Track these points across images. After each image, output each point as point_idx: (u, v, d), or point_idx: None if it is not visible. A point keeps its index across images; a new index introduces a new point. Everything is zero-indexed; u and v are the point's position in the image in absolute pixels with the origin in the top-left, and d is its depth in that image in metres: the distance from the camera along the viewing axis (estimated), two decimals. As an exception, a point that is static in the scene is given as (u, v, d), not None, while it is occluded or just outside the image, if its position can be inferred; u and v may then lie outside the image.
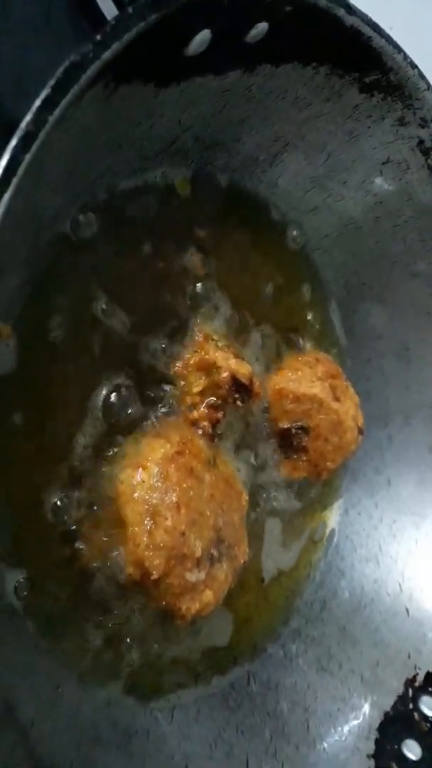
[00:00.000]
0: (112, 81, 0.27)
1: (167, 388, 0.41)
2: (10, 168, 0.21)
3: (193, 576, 0.37)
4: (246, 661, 0.47)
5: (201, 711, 0.42)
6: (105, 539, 0.37)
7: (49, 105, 0.22)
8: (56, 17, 0.46)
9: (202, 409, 0.41)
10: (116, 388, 0.38)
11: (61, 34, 0.47)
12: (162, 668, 0.40)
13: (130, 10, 0.25)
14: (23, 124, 0.22)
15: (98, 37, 0.24)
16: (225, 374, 0.41)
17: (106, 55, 0.24)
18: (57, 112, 0.22)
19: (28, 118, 0.22)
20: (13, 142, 0.21)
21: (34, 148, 0.22)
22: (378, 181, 0.47)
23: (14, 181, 0.21)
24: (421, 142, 0.45)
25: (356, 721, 0.46)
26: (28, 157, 0.22)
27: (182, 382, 0.41)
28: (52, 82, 0.22)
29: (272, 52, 0.36)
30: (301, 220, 0.49)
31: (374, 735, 0.45)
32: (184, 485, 0.38)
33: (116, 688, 0.38)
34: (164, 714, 0.40)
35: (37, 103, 0.22)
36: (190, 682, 0.42)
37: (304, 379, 0.48)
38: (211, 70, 0.35)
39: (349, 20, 0.36)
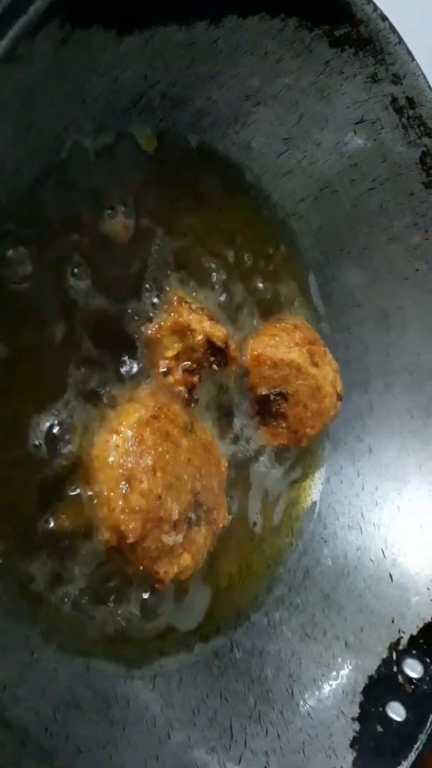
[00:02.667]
0: (66, 21, 0.26)
1: (141, 352, 0.40)
2: None
3: (170, 539, 0.36)
4: (229, 629, 0.46)
5: (184, 678, 0.42)
6: (81, 505, 0.36)
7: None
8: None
9: (178, 373, 0.40)
10: (88, 354, 0.38)
11: None
12: (142, 636, 0.40)
13: None
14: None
15: (48, -33, 0.23)
16: (200, 337, 0.40)
17: (58, -14, 0.23)
18: (4, 43, 0.21)
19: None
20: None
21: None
22: (352, 141, 0.47)
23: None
24: (394, 99, 0.44)
25: (340, 686, 0.46)
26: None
27: (156, 346, 0.40)
28: (-1, 11, 0.21)
29: (238, 3, 0.36)
30: (276, 183, 0.49)
31: (359, 698, 0.45)
32: (160, 449, 0.37)
33: (94, 655, 0.37)
34: (145, 681, 0.40)
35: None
36: (172, 650, 0.42)
37: (282, 344, 0.47)
38: (175, 20, 0.34)
39: (316, -33, 0.35)
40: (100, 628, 0.37)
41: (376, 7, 0.39)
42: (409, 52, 0.42)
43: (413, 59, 0.42)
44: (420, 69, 0.43)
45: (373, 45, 0.41)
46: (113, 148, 0.38)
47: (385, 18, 0.40)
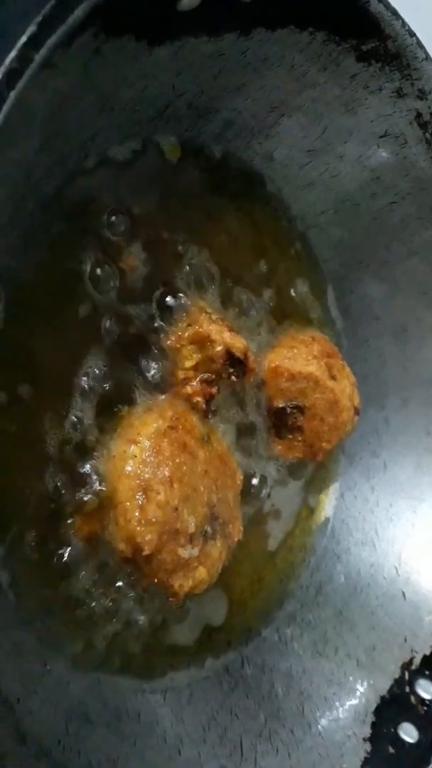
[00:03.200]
0: (101, 31, 0.26)
1: (160, 362, 0.40)
2: (-7, 107, 0.20)
3: (186, 552, 0.36)
4: (240, 644, 0.46)
5: (194, 693, 0.41)
6: (96, 516, 0.36)
7: (34, 43, 0.21)
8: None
9: (196, 384, 0.40)
10: (107, 362, 0.37)
11: None
12: (154, 650, 0.40)
13: None
14: (7, 61, 0.21)
15: (86, -23, 0.23)
16: (219, 348, 0.40)
17: (96, -2, 0.23)
18: (43, 51, 0.21)
19: (12, 54, 0.21)
20: (-3, 78, 0.20)
21: (19, 86, 0.21)
22: (375, 155, 0.46)
23: (-1, 119, 0.20)
24: (419, 115, 0.44)
25: (352, 705, 0.45)
26: (13, 94, 0.21)
27: (175, 357, 0.40)
28: (38, 19, 0.21)
29: (267, 15, 0.36)
30: (297, 195, 0.49)
31: (370, 718, 0.45)
32: (177, 460, 0.37)
33: (107, 669, 0.37)
34: (156, 696, 0.39)
35: (23, 39, 0.21)
36: (183, 665, 0.41)
37: (300, 357, 0.47)
38: (205, 31, 0.34)
39: (346, -18, 0.35)
40: (111, 640, 0.37)
41: (404, 23, 0.39)
42: (435, 68, 0.42)
43: (439, 75, 0.42)
44: (446, 85, 0.43)
45: (399, 60, 0.41)
46: (138, 156, 0.38)
47: (413, 34, 0.40)
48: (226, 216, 0.44)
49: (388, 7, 0.38)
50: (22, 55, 0.21)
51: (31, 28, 0.21)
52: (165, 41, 0.32)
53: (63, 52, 0.23)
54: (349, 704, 0.45)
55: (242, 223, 0.45)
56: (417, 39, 0.40)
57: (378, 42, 0.40)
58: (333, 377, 0.47)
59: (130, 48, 0.30)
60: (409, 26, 0.40)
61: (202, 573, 0.36)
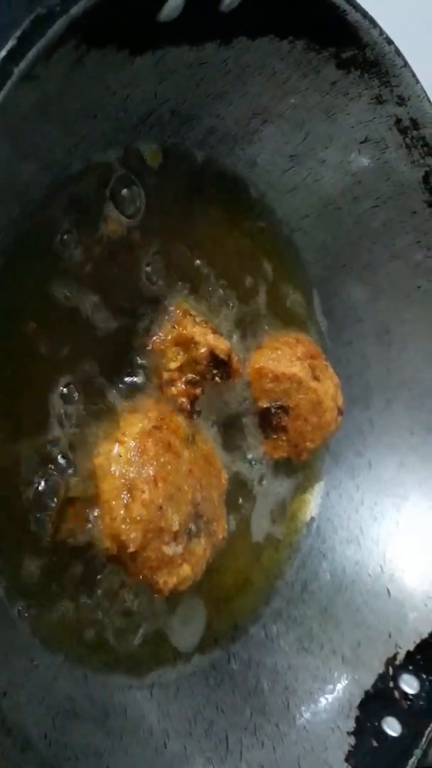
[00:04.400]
0: (82, 42, 0.27)
1: (145, 363, 0.40)
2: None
3: (171, 549, 0.36)
4: (227, 641, 0.46)
5: (181, 689, 0.42)
6: (81, 514, 0.37)
7: (14, 56, 0.22)
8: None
9: (180, 385, 0.41)
10: (92, 365, 0.38)
11: None
12: (140, 645, 0.40)
13: (99, -34, 0.24)
14: (-13, 74, 0.21)
15: (66, -9, 0.23)
16: (203, 350, 0.41)
17: (74, 10, 0.24)
18: (23, 64, 0.22)
19: (-8, 67, 0.21)
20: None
21: (0, 97, 0.22)
22: (356, 159, 0.47)
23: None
24: (398, 120, 0.45)
25: (337, 699, 0.46)
26: (-7, 106, 0.21)
27: (160, 358, 0.41)
28: (17, 33, 0.22)
29: (248, 25, 0.36)
30: (281, 200, 0.49)
31: (355, 713, 0.45)
32: (162, 459, 0.38)
33: (94, 665, 0.37)
34: (143, 692, 0.40)
35: (2, 53, 0.22)
36: (170, 661, 0.42)
37: (284, 358, 0.48)
38: (186, 41, 0.34)
39: (324, -8, 0.36)
40: (98, 637, 0.38)
41: (382, 31, 0.40)
42: (413, 75, 0.43)
43: (417, 82, 0.43)
44: (424, 91, 0.44)
45: (378, 67, 0.42)
46: (120, 162, 0.38)
47: (391, 42, 0.41)
48: (211, 219, 0.45)
49: (366, 16, 0.39)
50: (2, 68, 0.21)
51: (11, 42, 0.22)
52: (147, 51, 0.33)
53: (43, 64, 0.24)
54: (333, 698, 0.46)
55: (226, 226, 0.46)
56: (395, 47, 0.41)
57: (357, 50, 0.41)
58: (316, 378, 0.48)
59: (112, 58, 0.31)
60: (387, 35, 0.41)
61: (186, 570, 0.37)
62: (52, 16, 0.23)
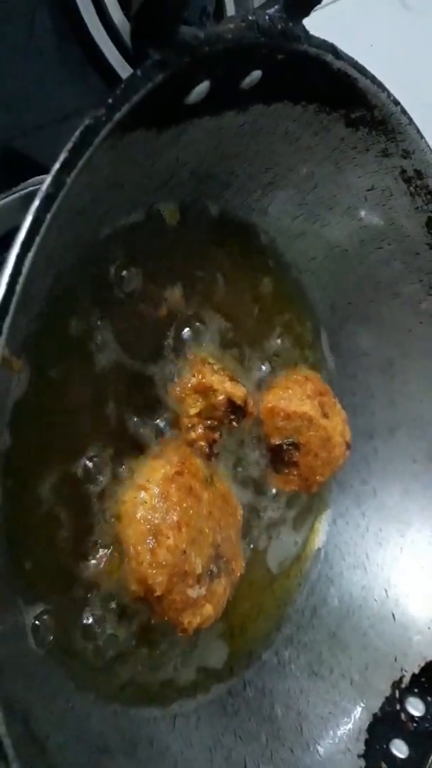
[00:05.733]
0: (119, 133, 0.29)
1: (166, 411, 0.42)
2: (34, 228, 0.23)
3: (195, 592, 0.38)
4: (242, 668, 0.49)
5: (201, 718, 0.44)
6: (109, 560, 0.39)
7: (67, 167, 0.24)
8: (39, 37, 0.47)
9: (200, 429, 0.43)
10: (117, 414, 0.40)
11: (46, 55, 0.47)
12: (164, 679, 0.42)
13: (138, 72, 0.26)
14: (44, 187, 0.23)
15: (110, 100, 0.25)
16: (221, 397, 0.43)
17: (117, 116, 0.26)
18: (73, 174, 0.24)
19: (48, 181, 0.23)
20: (36, 203, 0.23)
21: (54, 207, 0.23)
22: (363, 207, 0.49)
23: (37, 240, 0.23)
24: (403, 171, 0.47)
25: (347, 723, 0.48)
26: (48, 216, 0.23)
27: (180, 405, 0.43)
28: (69, 146, 0.24)
29: (264, 94, 0.38)
30: (290, 244, 0.52)
31: (364, 736, 0.48)
32: (184, 504, 0.40)
33: (122, 700, 0.39)
34: (166, 723, 0.42)
35: (56, 166, 0.24)
36: (190, 691, 0.44)
37: (295, 397, 0.50)
38: (208, 113, 0.36)
39: (337, 64, 0.38)
40: (127, 674, 0.40)
41: (389, 94, 0.42)
42: (418, 131, 0.45)
43: (422, 137, 0.45)
44: (428, 146, 0.46)
45: (385, 125, 0.44)
46: (142, 224, 0.40)
47: (397, 103, 0.43)
48: (225, 268, 0.47)
49: (375, 81, 0.41)
50: (57, 180, 0.23)
51: (64, 155, 0.24)
52: (172, 125, 0.35)
53: (87, 165, 0.26)
54: (344, 723, 0.48)
55: (240, 273, 0.48)
56: (401, 107, 0.43)
57: (365, 111, 0.43)
58: (325, 415, 0.50)
59: (141, 137, 0.33)
60: (394, 96, 0.43)
61: (208, 610, 0.39)
62: (99, 126, 0.25)
